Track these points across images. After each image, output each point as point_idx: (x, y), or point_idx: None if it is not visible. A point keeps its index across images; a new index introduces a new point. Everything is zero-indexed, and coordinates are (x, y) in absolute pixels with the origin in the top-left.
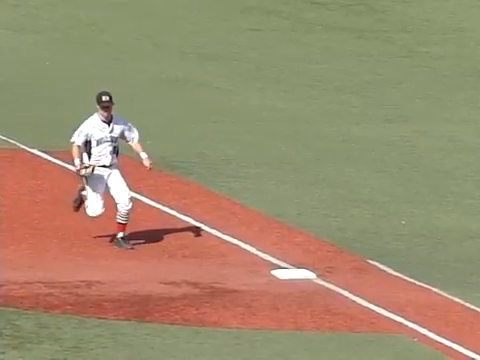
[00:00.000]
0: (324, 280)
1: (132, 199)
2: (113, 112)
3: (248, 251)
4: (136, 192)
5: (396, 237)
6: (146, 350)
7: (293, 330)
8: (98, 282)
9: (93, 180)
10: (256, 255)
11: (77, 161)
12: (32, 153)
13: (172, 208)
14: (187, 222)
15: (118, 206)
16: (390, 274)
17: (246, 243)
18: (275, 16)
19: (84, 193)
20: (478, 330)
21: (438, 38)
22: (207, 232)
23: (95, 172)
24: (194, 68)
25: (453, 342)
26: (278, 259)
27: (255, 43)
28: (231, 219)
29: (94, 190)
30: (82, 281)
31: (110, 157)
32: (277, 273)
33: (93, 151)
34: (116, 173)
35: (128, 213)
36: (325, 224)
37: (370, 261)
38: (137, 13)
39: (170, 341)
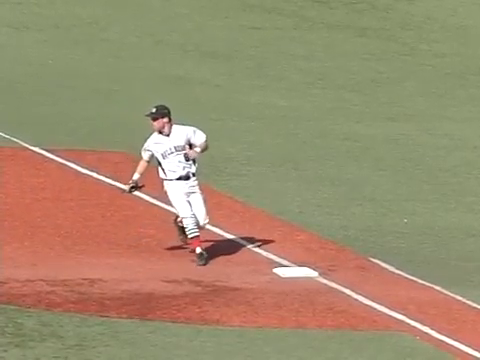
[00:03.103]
0: (326, 278)
1: (209, 222)
2: (173, 124)
3: (250, 249)
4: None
5: (398, 235)
6: (148, 348)
7: (295, 328)
8: (100, 280)
9: (174, 191)
10: (258, 253)
11: (135, 176)
12: (34, 151)
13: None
14: None
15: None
16: (392, 272)
17: (248, 241)
18: (277, 14)
19: (179, 219)
20: None
21: (440, 36)
22: (209, 230)
23: (175, 183)
24: (195, 66)
25: (455, 340)
26: (280, 257)
27: (256, 41)
28: (233, 217)
29: (178, 197)
30: (84, 279)
31: (182, 166)
32: (279, 271)
33: (164, 166)
34: (198, 195)
35: (197, 226)
36: (327, 222)
37: (372, 259)
38: (138, 11)
39: (172, 339)
